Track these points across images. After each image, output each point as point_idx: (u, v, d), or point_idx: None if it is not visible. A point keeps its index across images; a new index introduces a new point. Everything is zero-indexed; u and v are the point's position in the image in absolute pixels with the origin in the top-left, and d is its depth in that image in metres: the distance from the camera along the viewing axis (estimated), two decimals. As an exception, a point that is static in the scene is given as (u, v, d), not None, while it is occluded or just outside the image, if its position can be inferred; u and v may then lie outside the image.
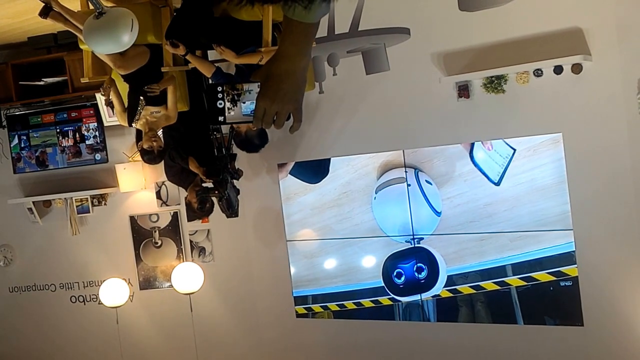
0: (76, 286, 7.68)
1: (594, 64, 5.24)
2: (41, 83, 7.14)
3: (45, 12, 4.87)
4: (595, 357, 5.43)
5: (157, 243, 7.32)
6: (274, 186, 6.68)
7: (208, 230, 7.12)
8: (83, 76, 5.64)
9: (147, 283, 7.40)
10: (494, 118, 5.63)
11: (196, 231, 7.17)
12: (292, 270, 6.04)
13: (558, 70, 5.31)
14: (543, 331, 5.60)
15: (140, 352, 7.40)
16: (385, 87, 6.09)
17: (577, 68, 5.26)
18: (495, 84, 5.55)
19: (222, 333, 7.13)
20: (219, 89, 1.78)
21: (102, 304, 7.13)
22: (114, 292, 7.00)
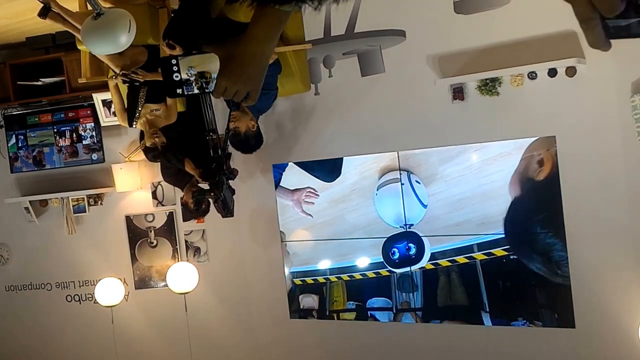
0: (72, 285, 7.70)
1: (587, 67, 5.26)
2: (39, 83, 7.15)
3: (44, 13, 4.89)
4: (586, 359, 5.48)
5: (152, 243, 7.35)
6: (269, 187, 6.71)
7: (203, 231, 7.15)
8: (81, 76, 5.67)
9: (142, 282, 7.42)
10: (488, 120, 5.66)
11: (191, 231, 7.20)
12: (301, 252, 6.35)
13: (552, 73, 5.34)
14: (535, 333, 5.64)
15: (135, 351, 7.41)
16: (381, 89, 6.12)
17: (571, 71, 5.28)
18: (489, 87, 5.58)
19: (216, 332, 7.15)
20: (174, 61, 1.80)
21: (97, 303, 7.14)
22: (110, 291, 7.02)
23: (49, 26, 5.53)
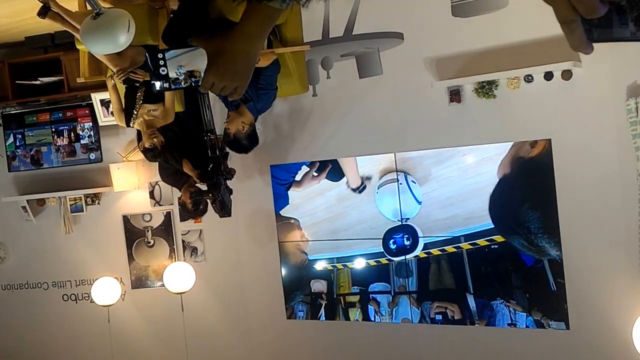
0: (68, 284, 7.71)
1: (583, 70, 5.29)
2: (37, 82, 7.16)
3: (44, 12, 4.90)
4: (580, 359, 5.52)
5: (149, 242, 7.36)
6: (266, 188, 6.73)
7: (200, 231, 7.16)
8: (79, 76, 5.68)
9: (139, 282, 7.44)
10: (485, 123, 5.70)
11: (188, 231, 7.21)
12: (312, 243, 6.60)
13: (548, 76, 5.37)
14: (528, 333, 5.68)
15: (131, 350, 7.43)
16: (378, 91, 6.14)
17: (567, 74, 5.31)
18: (486, 89, 5.61)
19: (212, 332, 7.17)
20: (160, 55, 1.80)
21: (94, 302, 7.15)
22: (106, 290, 7.03)
23: (48, 26, 5.55)
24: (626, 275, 5.24)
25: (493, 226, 5.67)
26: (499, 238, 5.60)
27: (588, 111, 5.32)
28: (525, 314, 5.58)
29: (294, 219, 6.65)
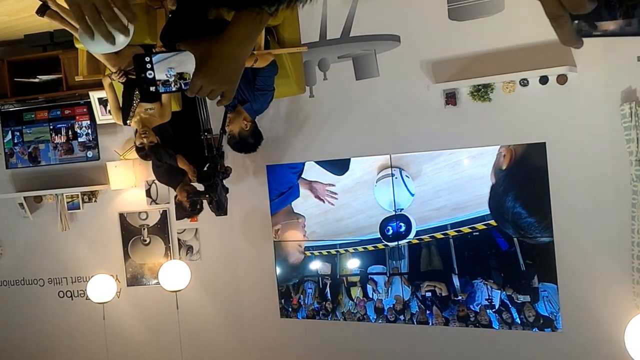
0: (64, 281, 7.74)
1: (578, 75, 5.31)
2: (36, 80, 7.19)
3: (42, 11, 4.93)
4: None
5: (145, 241, 7.38)
6: (261, 188, 6.75)
7: (196, 229, 7.18)
8: (78, 74, 5.71)
9: (134, 280, 7.46)
10: (480, 125, 5.72)
11: (184, 230, 7.24)
12: (317, 229, 6.76)
13: (543, 80, 5.39)
14: (520, 335, 5.71)
15: (126, 347, 7.45)
16: (375, 92, 6.17)
17: (562, 79, 5.33)
18: (482, 93, 5.63)
19: (207, 330, 7.19)
20: (147, 59, 1.79)
21: (89, 299, 7.17)
22: (102, 288, 7.05)
23: (47, 24, 5.56)
24: (619, 278, 5.26)
25: (476, 216, 6.02)
26: (479, 226, 5.98)
27: (583, 115, 5.34)
28: (499, 290, 5.93)
29: (301, 216, 6.79)
